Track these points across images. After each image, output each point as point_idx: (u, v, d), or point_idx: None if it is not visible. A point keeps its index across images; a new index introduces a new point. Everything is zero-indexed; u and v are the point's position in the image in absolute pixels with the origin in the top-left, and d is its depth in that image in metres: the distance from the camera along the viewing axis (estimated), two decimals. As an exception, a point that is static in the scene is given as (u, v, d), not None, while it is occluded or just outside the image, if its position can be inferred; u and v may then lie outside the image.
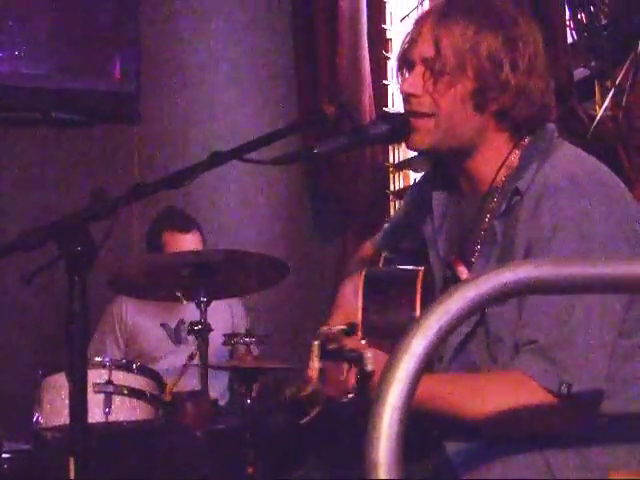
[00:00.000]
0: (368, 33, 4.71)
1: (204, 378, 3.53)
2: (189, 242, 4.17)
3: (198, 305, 3.58)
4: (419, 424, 1.92)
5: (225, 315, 4.28)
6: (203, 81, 5.24)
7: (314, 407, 1.78)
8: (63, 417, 3.22)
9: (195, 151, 4.90)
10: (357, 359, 1.75)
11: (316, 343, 1.73)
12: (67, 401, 2.00)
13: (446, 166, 2.18)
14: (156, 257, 4.13)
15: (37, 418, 3.35)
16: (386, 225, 2.47)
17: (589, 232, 1.91)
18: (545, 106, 2.07)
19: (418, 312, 2.07)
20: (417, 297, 2.09)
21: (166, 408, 3.46)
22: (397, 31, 4.76)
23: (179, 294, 3.64)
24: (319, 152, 2.04)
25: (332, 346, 1.73)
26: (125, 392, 3.34)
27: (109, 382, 3.32)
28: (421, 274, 2.13)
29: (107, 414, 3.28)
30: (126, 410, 3.33)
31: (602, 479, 1.80)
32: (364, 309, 2.08)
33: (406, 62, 2.11)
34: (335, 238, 4.90)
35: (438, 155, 2.14)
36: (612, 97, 3.11)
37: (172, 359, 4.14)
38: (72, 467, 1.91)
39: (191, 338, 3.79)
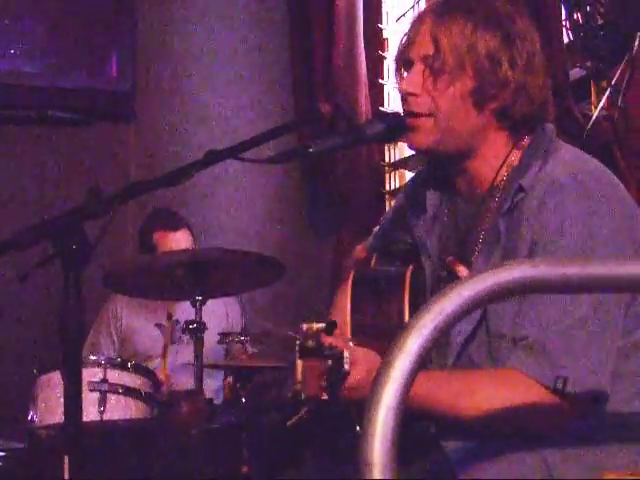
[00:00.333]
0: (364, 33, 4.70)
1: (199, 377, 3.53)
2: (179, 240, 4.19)
3: (193, 304, 3.58)
4: (415, 423, 1.93)
5: (221, 314, 4.28)
6: (199, 79, 5.23)
7: (299, 408, 1.78)
8: (58, 415, 3.22)
9: (191, 149, 4.89)
10: (335, 357, 1.75)
11: (298, 343, 1.73)
12: (62, 399, 2.00)
13: (442, 166, 2.17)
14: (151, 256, 4.13)
15: (32, 416, 3.35)
16: (377, 228, 2.47)
17: (594, 231, 1.91)
18: (544, 104, 2.08)
19: (406, 312, 2.08)
20: (405, 297, 2.09)
21: (161, 407, 3.46)
22: (393, 31, 4.76)
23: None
24: (315, 151, 2.04)
25: (310, 343, 1.73)
26: (120, 391, 3.34)
27: (104, 381, 3.31)
28: (409, 274, 2.13)
29: (102, 413, 3.28)
30: (121, 409, 3.33)
31: (599, 479, 1.80)
32: (352, 310, 2.08)
33: (404, 61, 2.11)
34: (331, 237, 4.89)
35: (437, 155, 2.13)
36: (608, 97, 3.11)
37: (167, 358, 4.14)
38: (66, 466, 1.91)
39: (186, 337, 3.79)
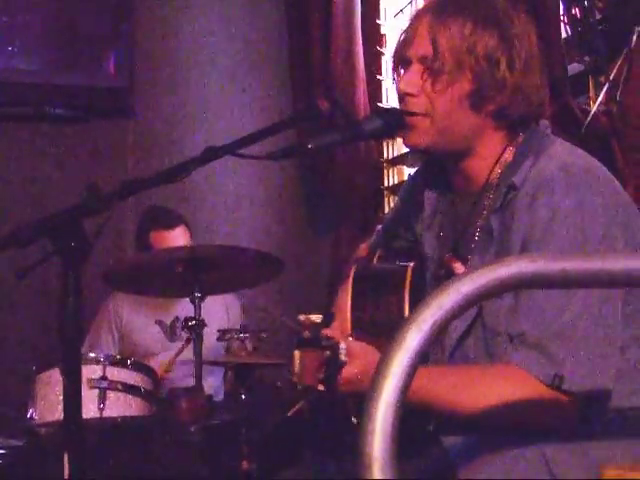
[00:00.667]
0: (362, 29, 4.70)
1: (199, 374, 3.53)
2: (175, 238, 4.20)
3: (192, 301, 3.58)
4: (415, 419, 1.93)
5: (220, 311, 4.28)
6: (197, 76, 5.23)
7: (298, 399, 1.79)
8: (57, 413, 3.22)
9: (189, 146, 4.89)
10: (331, 348, 1.75)
11: (297, 337, 1.74)
12: (61, 397, 1.99)
13: (439, 164, 2.18)
14: (150, 253, 4.13)
15: (31, 414, 3.35)
16: (379, 226, 2.47)
17: (586, 224, 1.91)
18: (541, 104, 2.08)
19: (407, 309, 2.08)
20: (405, 294, 2.09)
21: (161, 404, 3.46)
22: (391, 27, 4.76)
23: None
24: (313, 147, 2.03)
25: (307, 334, 1.73)
26: (119, 388, 3.33)
27: (103, 378, 3.31)
28: (410, 271, 2.13)
29: (101, 410, 3.28)
30: (120, 406, 3.33)
31: (597, 479, 1.80)
32: (353, 306, 2.08)
33: (402, 60, 2.10)
34: (329, 234, 4.89)
35: (434, 154, 2.14)
36: (606, 92, 3.11)
37: (167, 356, 4.14)
38: (66, 463, 1.91)
39: (185, 335, 3.79)
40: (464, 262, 2.09)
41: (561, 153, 2.03)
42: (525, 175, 2.00)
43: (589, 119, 3.12)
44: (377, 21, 4.79)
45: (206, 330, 3.60)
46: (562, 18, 3.22)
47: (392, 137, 2.16)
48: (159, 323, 4.30)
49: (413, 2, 4.53)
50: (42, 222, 1.95)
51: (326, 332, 1.78)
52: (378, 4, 4.83)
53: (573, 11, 3.17)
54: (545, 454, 1.89)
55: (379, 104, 4.69)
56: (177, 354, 3.73)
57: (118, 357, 3.52)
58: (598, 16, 3.13)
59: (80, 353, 2.03)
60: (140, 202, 4.54)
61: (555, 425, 1.90)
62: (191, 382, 3.60)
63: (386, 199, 4.80)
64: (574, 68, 3.26)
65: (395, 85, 2.13)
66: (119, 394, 3.33)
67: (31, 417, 3.35)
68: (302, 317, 1.76)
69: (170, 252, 3.83)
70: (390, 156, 4.83)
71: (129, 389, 3.36)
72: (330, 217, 4.92)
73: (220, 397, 4.28)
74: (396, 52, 2.13)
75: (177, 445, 3.42)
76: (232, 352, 3.95)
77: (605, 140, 3.08)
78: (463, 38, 2.01)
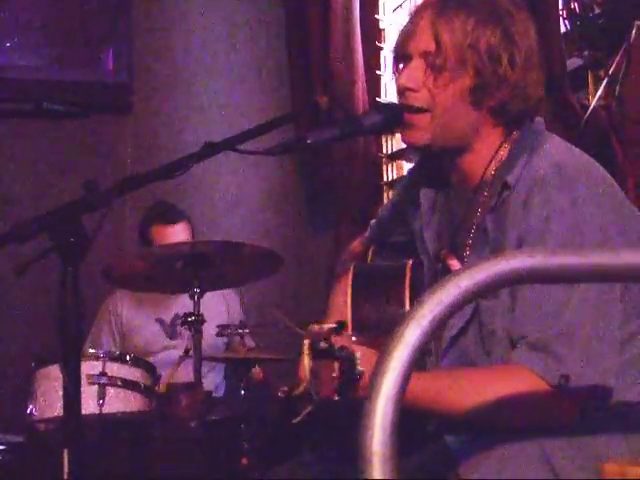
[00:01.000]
0: (361, 23, 4.69)
1: (198, 370, 3.53)
2: (176, 234, 4.20)
3: (192, 297, 3.58)
4: (415, 417, 1.93)
5: (220, 307, 4.28)
6: (196, 72, 5.23)
7: (306, 406, 1.78)
8: (57, 409, 3.22)
9: (188, 142, 4.89)
10: (347, 358, 1.75)
11: (306, 342, 1.73)
12: (61, 393, 2.00)
13: (437, 161, 2.17)
14: (150, 249, 4.14)
15: (31, 410, 3.35)
16: (373, 221, 2.46)
17: (580, 221, 1.91)
18: (539, 99, 2.07)
19: (407, 306, 2.07)
20: (406, 291, 2.09)
21: (160, 399, 3.46)
22: (390, 22, 4.76)
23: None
24: (312, 142, 2.03)
25: (323, 345, 1.73)
26: (119, 383, 3.34)
27: (103, 373, 3.32)
28: (409, 268, 2.13)
29: (101, 405, 3.28)
30: (120, 401, 3.33)
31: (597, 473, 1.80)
32: (353, 305, 2.08)
33: (402, 55, 2.10)
34: (328, 229, 4.89)
35: (433, 152, 2.13)
36: (605, 87, 3.11)
37: (167, 354, 4.15)
38: (66, 459, 1.91)
39: (185, 332, 3.79)
40: (460, 259, 2.09)
41: (555, 151, 2.03)
42: (519, 174, 2.00)
43: (588, 114, 3.11)
44: (376, 16, 4.78)
45: (205, 326, 3.60)
46: (561, 13, 3.21)
47: (391, 132, 2.15)
48: (159, 321, 4.30)
49: (412, -3, 4.53)
50: (41, 218, 1.95)
51: (339, 341, 1.78)
52: (377, -1, 4.83)
53: (572, 5, 3.17)
54: (545, 449, 1.89)
55: (378, 99, 4.69)
56: (178, 364, 3.70)
57: (117, 353, 3.52)
58: (597, 10, 3.12)
59: (80, 349, 2.03)
60: (140, 198, 4.53)
61: (558, 424, 1.90)
62: (191, 378, 3.60)
63: (385, 194, 4.80)
64: (573, 63, 3.26)
65: (395, 80, 2.13)
66: (119, 390, 3.34)
67: (31, 413, 3.35)
68: (316, 327, 1.76)
69: (169, 248, 3.83)
70: (389, 151, 4.82)
71: (129, 385, 3.36)
72: (329, 212, 4.91)
73: (220, 393, 4.29)
74: (397, 47, 2.12)
75: (177, 441, 3.42)
76: (232, 348, 3.96)
77: (604, 135, 3.07)
78: (466, 34, 2.00)
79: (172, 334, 4.27)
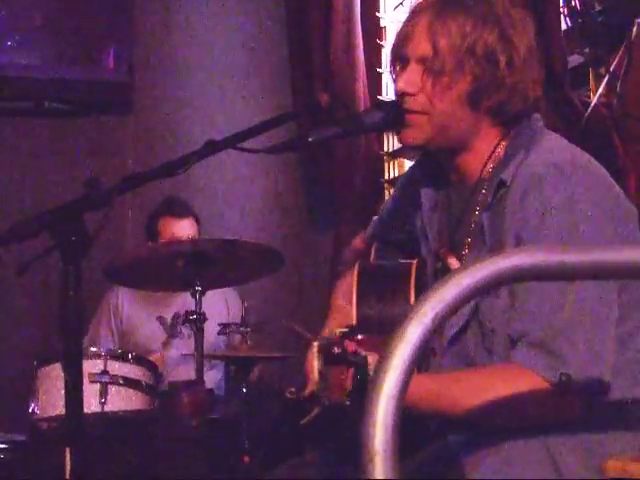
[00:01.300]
0: (362, 21, 4.69)
1: (200, 368, 3.53)
2: (183, 228, 4.20)
3: (193, 294, 3.58)
4: (417, 416, 1.93)
5: (220, 305, 4.28)
6: (197, 70, 5.23)
7: (314, 408, 1.78)
8: (59, 407, 3.22)
9: (189, 140, 4.89)
10: (360, 364, 1.74)
11: (316, 344, 1.72)
12: (63, 391, 2.00)
13: (436, 159, 2.17)
14: (151, 246, 4.13)
15: (33, 408, 3.36)
16: (375, 218, 2.46)
17: (576, 218, 1.91)
18: (537, 98, 2.07)
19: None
20: (411, 290, 2.09)
21: (162, 398, 3.47)
22: (391, 19, 4.75)
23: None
24: (313, 140, 2.03)
25: (335, 350, 1.72)
26: (121, 382, 3.34)
27: (105, 372, 3.32)
28: (414, 266, 2.13)
29: (103, 404, 3.28)
30: (122, 400, 3.34)
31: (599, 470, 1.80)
32: (359, 304, 2.08)
33: (399, 57, 2.09)
34: (330, 227, 4.89)
35: (430, 151, 2.13)
36: (606, 84, 3.11)
37: (167, 352, 4.15)
38: (68, 457, 1.91)
39: (186, 330, 3.80)
40: (459, 257, 2.09)
41: (551, 148, 2.03)
42: (515, 171, 2.00)
43: (589, 111, 3.12)
44: (377, 14, 4.78)
45: (206, 324, 3.60)
46: (562, 10, 3.22)
47: (392, 130, 2.15)
48: (159, 319, 4.29)
49: (413, -5, 4.53)
50: (42, 216, 1.95)
51: (350, 346, 1.78)
52: (378, -3, 4.82)
53: (573, 3, 3.17)
54: (548, 447, 1.89)
55: (379, 97, 4.68)
56: (164, 345, 3.72)
57: (119, 351, 3.53)
58: (598, 8, 3.13)
59: (81, 347, 2.03)
60: (142, 196, 4.54)
61: (560, 421, 1.90)
62: (192, 376, 3.60)
63: (387, 192, 4.80)
64: (574, 60, 3.26)
65: (393, 83, 2.13)
66: (120, 388, 3.34)
67: (33, 412, 3.36)
68: (328, 333, 1.76)
69: (171, 246, 3.83)
70: (390, 149, 4.82)
71: (130, 383, 3.37)
72: (330, 210, 4.91)
73: (222, 391, 4.29)
74: (394, 49, 2.12)
75: (178, 439, 3.42)
76: (233, 346, 3.95)
77: (605, 132, 3.07)
78: (463, 38, 1.99)
79: (172, 332, 4.27)
